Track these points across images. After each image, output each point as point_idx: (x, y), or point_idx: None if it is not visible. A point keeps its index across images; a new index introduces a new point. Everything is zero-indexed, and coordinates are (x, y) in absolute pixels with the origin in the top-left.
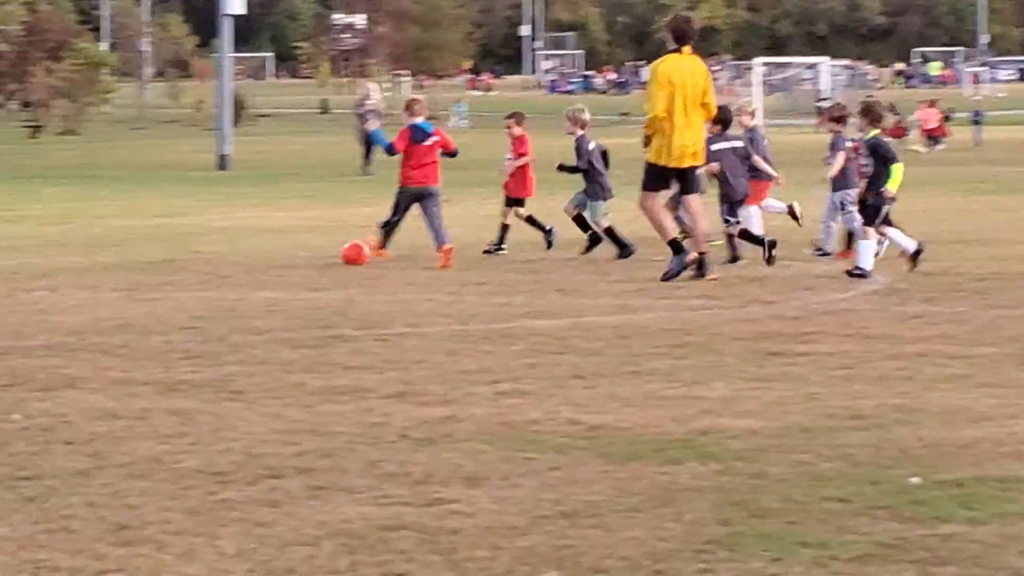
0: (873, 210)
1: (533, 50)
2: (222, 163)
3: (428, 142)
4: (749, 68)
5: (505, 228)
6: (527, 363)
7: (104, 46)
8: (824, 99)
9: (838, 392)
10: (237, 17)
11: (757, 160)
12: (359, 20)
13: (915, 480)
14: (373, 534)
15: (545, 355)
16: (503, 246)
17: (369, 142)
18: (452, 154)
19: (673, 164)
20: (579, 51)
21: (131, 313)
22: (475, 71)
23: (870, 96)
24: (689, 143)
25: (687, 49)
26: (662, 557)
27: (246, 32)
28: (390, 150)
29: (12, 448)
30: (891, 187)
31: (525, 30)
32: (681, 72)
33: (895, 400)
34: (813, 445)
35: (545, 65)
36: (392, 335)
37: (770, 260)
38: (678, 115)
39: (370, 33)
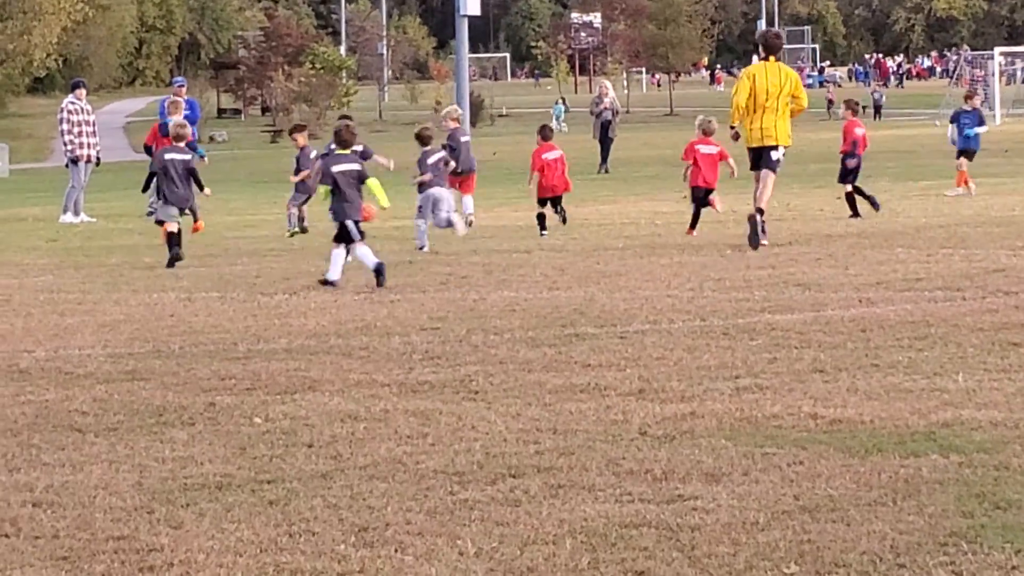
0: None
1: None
2: None
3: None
4: (988, 58)
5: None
6: (767, 358)
7: (343, 50)
8: None
9: None
10: (474, 18)
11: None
12: (596, 18)
13: None
14: (614, 532)
15: (785, 349)
16: None
17: (605, 141)
18: (191, 147)
19: (753, 144)
20: (815, 45)
21: (371, 315)
22: (710, 67)
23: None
24: (761, 128)
25: (773, 59)
26: (904, 551)
27: (483, 33)
28: (149, 150)
29: (254, 451)
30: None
31: (762, 25)
32: (765, 75)
33: None
34: None
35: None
36: (632, 332)
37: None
38: (757, 107)
39: (606, 31)
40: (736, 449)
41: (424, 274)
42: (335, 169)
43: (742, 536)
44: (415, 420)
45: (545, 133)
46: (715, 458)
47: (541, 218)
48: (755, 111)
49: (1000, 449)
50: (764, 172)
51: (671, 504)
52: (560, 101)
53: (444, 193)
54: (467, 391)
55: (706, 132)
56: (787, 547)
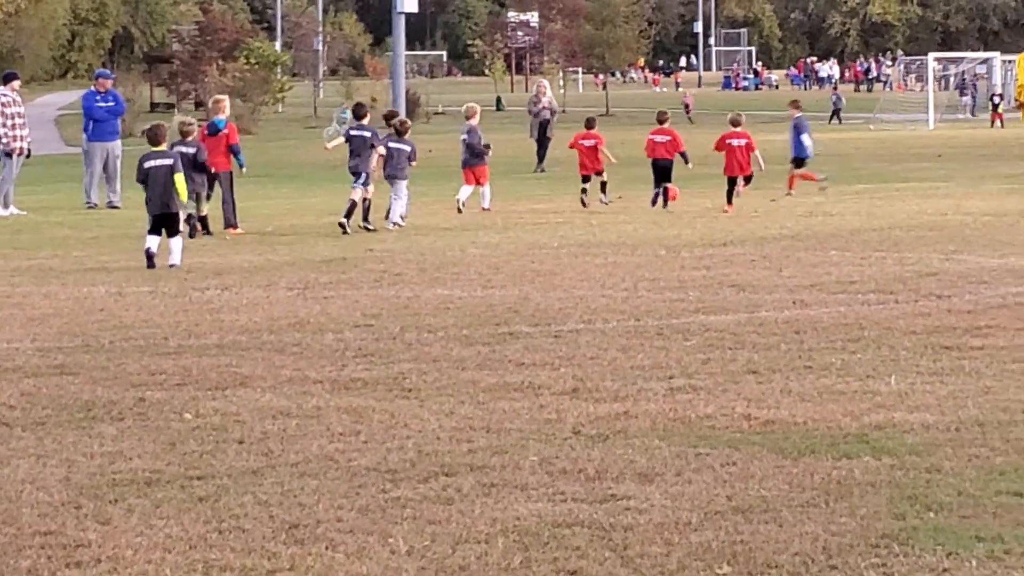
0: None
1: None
2: None
3: (218, 135)
4: (922, 63)
5: None
6: (701, 358)
7: (278, 45)
8: (998, 94)
9: (1013, 386)
10: (410, 15)
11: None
12: (533, 18)
13: None
14: (546, 531)
15: (719, 350)
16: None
17: (543, 140)
18: (234, 151)
19: None
20: (751, 47)
21: (304, 311)
22: (653, 68)
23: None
24: None
25: None
26: (836, 552)
27: (419, 30)
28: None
29: (184, 447)
30: None
31: (697, 27)
32: None
33: None
34: (987, 439)
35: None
36: (566, 331)
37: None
38: None
39: (543, 30)
40: (669, 449)
41: (358, 271)
42: (146, 165)
43: (675, 536)
44: (347, 417)
45: (589, 123)
46: (648, 458)
47: (584, 192)
48: None
49: (932, 452)
50: None
51: (604, 504)
52: (344, 104)
53: None
54: (400, 389)
55: (734, 124)
56: (720, 547)
